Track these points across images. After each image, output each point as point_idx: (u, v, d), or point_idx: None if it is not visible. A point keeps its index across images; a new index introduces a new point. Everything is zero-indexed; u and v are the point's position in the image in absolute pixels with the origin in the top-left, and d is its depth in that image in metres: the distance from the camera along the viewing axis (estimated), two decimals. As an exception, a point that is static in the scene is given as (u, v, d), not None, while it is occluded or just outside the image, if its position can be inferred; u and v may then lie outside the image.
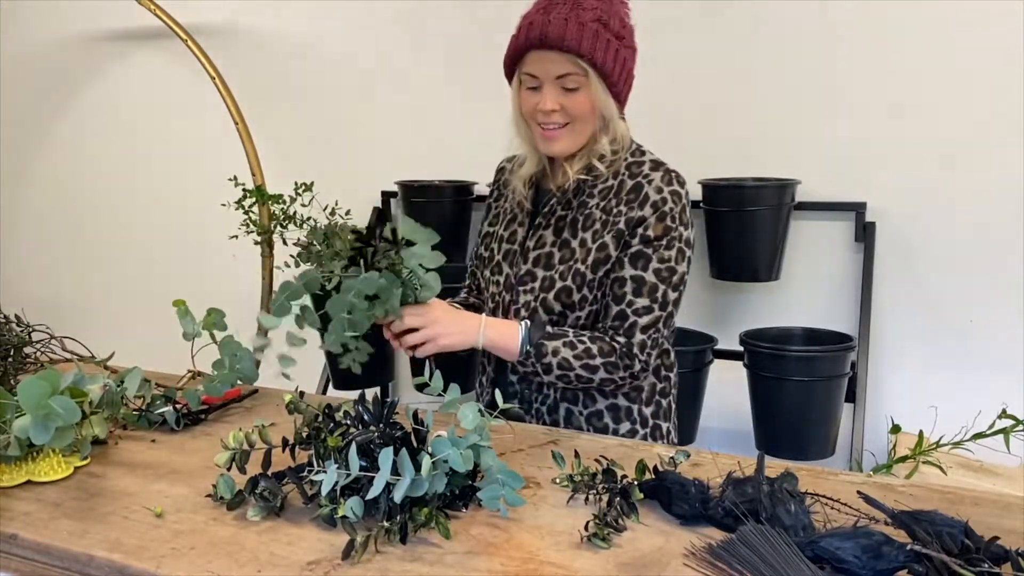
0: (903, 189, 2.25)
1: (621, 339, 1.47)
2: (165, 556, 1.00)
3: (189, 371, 1.67)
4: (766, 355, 2.14)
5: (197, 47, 2.71)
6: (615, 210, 1.49)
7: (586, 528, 1.03)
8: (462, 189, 2.67)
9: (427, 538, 1.04)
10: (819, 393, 2.12)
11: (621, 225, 1.47)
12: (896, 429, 2.19)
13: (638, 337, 1.47)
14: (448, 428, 1.10)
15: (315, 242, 1.36)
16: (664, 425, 1.61)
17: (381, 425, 1.13)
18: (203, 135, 3.13)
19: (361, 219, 2.78)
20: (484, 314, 1.51)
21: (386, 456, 1.03)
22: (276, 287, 2.83)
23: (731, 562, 0.95)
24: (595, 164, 1.50)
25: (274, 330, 1.36)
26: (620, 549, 1.01)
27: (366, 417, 1.14)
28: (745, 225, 2.19)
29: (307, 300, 1.34)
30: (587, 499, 1.14)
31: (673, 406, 1.63)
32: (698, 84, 2.39)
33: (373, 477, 1.03)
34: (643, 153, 1.54)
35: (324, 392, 2.72)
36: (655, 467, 1.16)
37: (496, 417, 1.13)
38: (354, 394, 1.20)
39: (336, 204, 2.58)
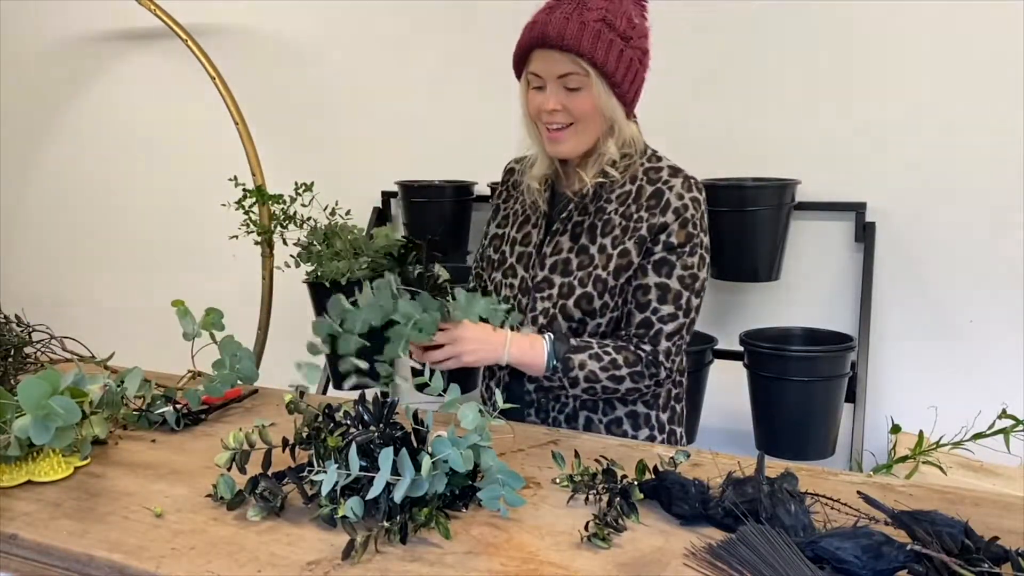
0: (903, 189, 2.25)
1: (646, 347, 1.46)
2: (165, 556, 1.00)
3: (189, 371, 1.67)
4: (766, 355, 2.14)
5: (197, 47, 2.70)
6: (635, 216, 1.48)
7: (586, 528, 1.03)
8: (462, 189, 2.67)
9: (427, 538, 1.04)
10: (819, 393, 2.12)
11: (643, 231, 1.46)
12: (896, 429, 2.19)
13: (663, 345, 1.47)
14: (448, 428, 1.10)
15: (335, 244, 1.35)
16: (678, 430, 1.61)
17: (381, 425, 1.13)
18: (203, 135, 3.13)
19: (361, 219, 2.79)
20: (507, 327, 1.50)
21: (386, 456, 1.03)
22: (276, 287, 2.83)
23: (731, 562, 0.95)
24: (608, 170, 1.49)
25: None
26: (620, 549, 1.01)
27: (366, 417, 1.14)
28: (745, 225, 2.19)
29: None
30: (587, 499, 1.14)
31: (684, 410, 1.64)
32: (698, 84, 2.39)
33: (373, 477, 1.03)
34: (659, 159, 1.53)
35: (324, 392, 2.72)
36: (655, 467, 1.16)
37: (496, 417, 1.13)
38: (354, 394, 1.20)
39: (336, 204, 2.58)
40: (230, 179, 2.49)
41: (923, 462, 2.00)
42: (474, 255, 1.72)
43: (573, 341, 1.46)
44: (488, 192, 2.55)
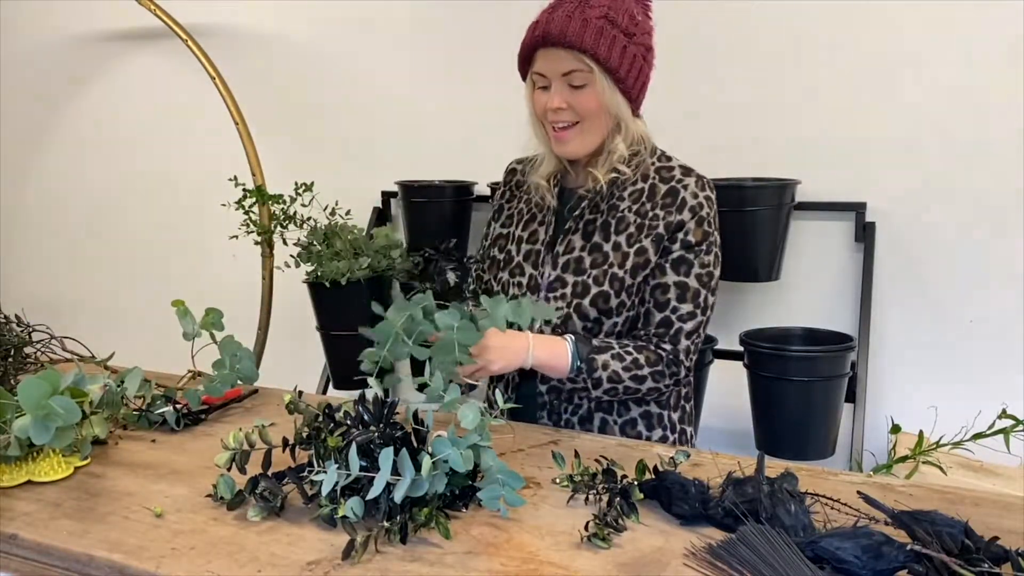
0: (903, 189, 2.25)
1: (667, 346, 1.47)
2: (165, 556, 1.00)
3: (189, 371, 1.67)
4: (766, 355, 2.14)
5: (197, 47, 2.70)
6: (651, 214, 1.48)
7: (586, 528, 1.03)
8: (462, 189, 2.67)
9: (427, 538, 1.04)
10: (819, 393, 2.12)
11: (660, 229, 1.47)
12: (896, 429, 2.19)
13: (683, 343, 1.47)
14: (448, 428, 1.10)
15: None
16: (688, 429, 1.61)
17: (381, 425, 1.13)
18: (203, 135, 3.13)
19: (361, 219, 2.80)
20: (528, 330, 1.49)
21: (386, 456, 1.03)
22: (276, 287, 2.83)
23: (731, 562, 0.95)
24: (620, 167, 1.49)
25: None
26: (620, 549, 1.01)
27: (366, 417, 1.14)
28: (745, 225, 2.19)
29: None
30: (587, 499, 1.14)
31: (693, 410, 1.64)
32: (698, 84, 2.39)
33: (373, 477, 1.03)
34: (669, 158, 1.54)
35: (324, 392, 2.72)
36: (655, 467, 1.16)
37: (496, 417, 1.13)
38: (354, 394, 1.20)
39: (336, 204, 2.59)
40: (230, 179, 2.50)
41: (923, 462, 2.00)
42: (475, 256, 1.72)
43: (595, 342, 1.45)
44: (488, 192, 2.55)
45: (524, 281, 1.55)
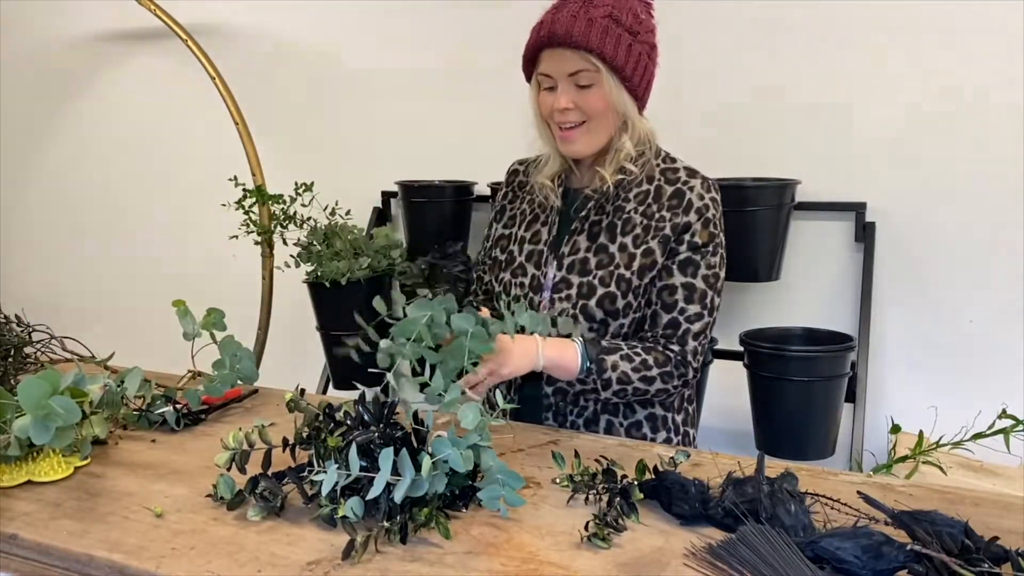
0: (903, 189, 2.25)
1: (675, 347, 1.47)
2: (165, 556, 1.00)
3: (189, 371, 1.67)
4: (766, 355, 2.14)
5: (197, 47, 2.70)
6: (657, 215, 1.48)
7: (586, 528, 1.03)
8: (462, 189, 2.67)
9: (427, 538, 1.04)
10: (819, 393, 2.12)
11: (667, 231, 1.47)
12: (896, 429, 2.19)
13: (691, 344, 1.47)
14: (448, 428, 1.10)
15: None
16: (691, 432, 1.62)
17: (381, 425, 1.13)
18: (203, 135, 3.13)
19: (361, 219, 2.79)
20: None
21: (386, 456, 1.03)
22: (276, 287, 2.83)
23: (731, 562, 0.95)
24: (627, 166, 1.49)
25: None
26: (620, 549, 1.01)
27: (366, 417, 1.14)
28: (745, 225, 2.19)
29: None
30: (587, 499, 1.14)
31: (696, 412, 1.64)
32: (698, 84, 2.39)
33: (373, 477, 1.03)
34: (674, 160, 1.54)
35: (324, 392, 2.72)
36: (655, 467, 1.16)
37: (496, 418, 1.13)
38: (354, 394, 1.20)
39: (336, 204, 2.59)
40: (230, 179, 2.50)
41: (923, 462, 2.00)
42: (476, 257, 1.72)
43: (604, 343, 1.45)
44: (488, 192, 2.55)
45: (526, 282, 1.54)
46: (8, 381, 1.56)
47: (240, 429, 1.18)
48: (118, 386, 1.35)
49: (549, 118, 1.49)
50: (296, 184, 2.49)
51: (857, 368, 2.17)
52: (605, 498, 1.12)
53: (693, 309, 1.47)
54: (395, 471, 1.03)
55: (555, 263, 1.53)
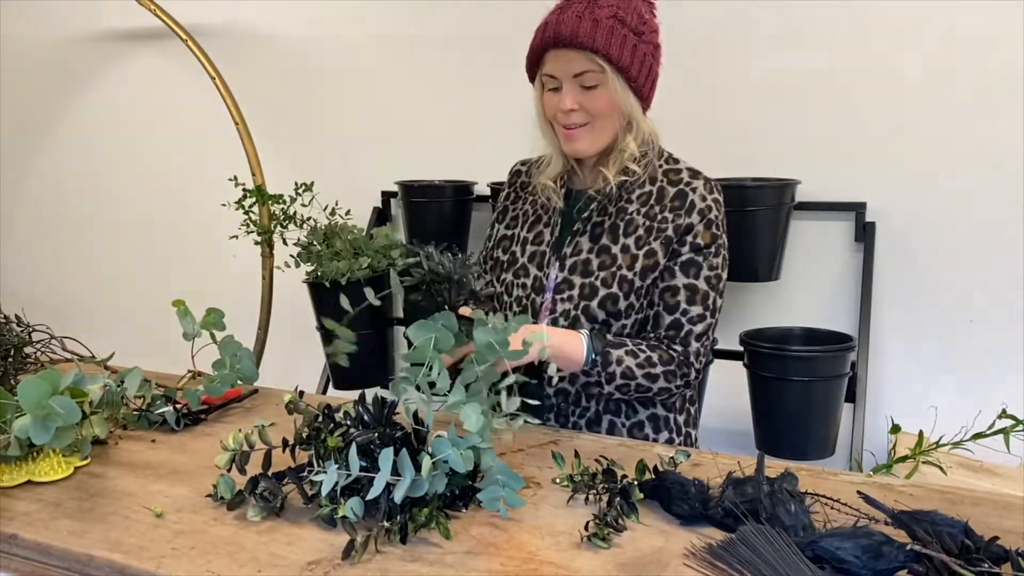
0: (903, 189, 2.25)
1: (678, 348, 1.47)
2: (165, 556, 1.00)
3: (189, 371, 1.67)
4: (766, 355, 2.14)
5: (197, 47, 2.70)
6: (660, 216, 1.48)
7: (586, 528, 1.03)
8: (462, 189, 2.67)
9: (427, 538, 1.04)
10: (819, 393, 2.12)
11: (669, 232, 1.47)
12: (896, 429, 2.19)
13: (694, 346, 1.47)
14: (448, 428, 1.10)
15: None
16: (693, 432, 1.61)
17: (381, 425, 1.13)
18: (203, 135, 3.13)
19: (361, 219, 2.79)
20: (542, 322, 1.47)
21: (386, 456, 1.03)
22: (276, 287, 2.83)
23: (731, 562, 0.95)
24: (631, 166, 1.49)
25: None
26: (620, 549, 1.01)
27: (366, 417, 1.14)
28: (745, 225, 2.19)
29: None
30: (587, 499, 1.14)
31: (697, 413, 1.64)
32: (698, 84, 2.39)
33: (373, 477, 1.02)
34: (676, 161, 1.54)
35: (324, 392, 2.72)
36: (655, 467, 1.16)
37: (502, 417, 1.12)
38: (354, 394, 1.20)
39: (336, 204, 2.58)
40: (230, 179, 2.50)
41: (923, 462, 2.00)
42: (477, 257, 1.71)
43: (609, 337, 1.45)
44: (488, 192, 2.55)
45: (528, 282, 1.54)
46: (8, 381, 1.56)
47: (240, 430, 1.18)
48: (118, 386, 1.35)
49: (553, 119, 1.48)
50: (296, 184, 2.49)
51: (857, 368, 2.17)
52: (605, 498, 1.11)
53: (695, 310, 1.47)
54: (395, 471, 1.03)
55: (557, 264, 1.53)
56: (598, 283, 1.48)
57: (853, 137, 2.28)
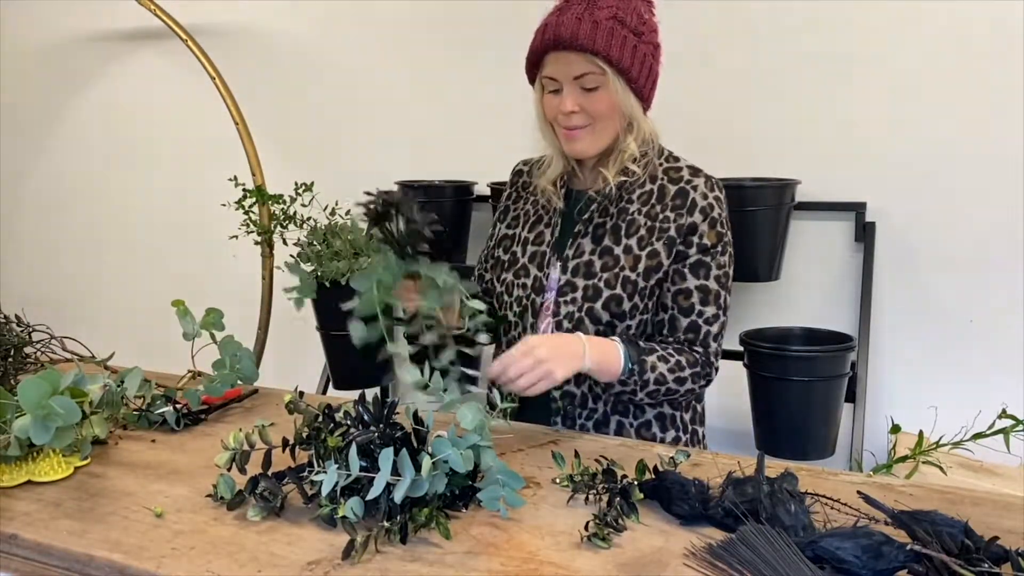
0: (903, 189, 2.25)
1: (699, 349, 1.48)
2: (165, 556, 1.00)
3: (189, 371, 1.67)
4: (766, 355, 2.14)
5: (197, 47, 2.70)
6: (661, 216, 1.47)
7: (586, 528, 1.03)
8: (462, 189, 2.67)
9: (427, 538, 1.04)
10: (819, 393, 2.12)
11: (672, 232, 1.47)
12: (896, 429, 2.19)
13: (712, 346, 1.48)
14: (448, 428, 1.10)
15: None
16: (700, 430, 1.61)
17: (381, 425, 1.13)
18: (203, 135, 3.13)
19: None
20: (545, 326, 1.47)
21: (386, 456, 1.03)
22: (276, 287, 2.83)
23: (731, 562, 0.95)
24: (630, 167, 1.49)
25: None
26: (620, 549, 1.01)
27: (366, 417, 1.14)
28: (745, 225, 2.19)
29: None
30: (587, 499, 1.14)
31: (704, 409, 1.64)
32: (698, 84, 2.39)
33: (373, 477, 1.02)
34: (676, 159, 1.54)
35: (324, 392, 2.72)
36: (655, 467, 1.16)
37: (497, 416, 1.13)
38: (354, 394, 1.20)
39: (336, 204, 2.59)
40: (230, 179, 2.50)
41: (923, 462, 2.00)
42: (479, 257, 1.71)
43: (641, 343, 1.44)
44: (488, 192, 2.55)
45: (528, 283, 1.54)
46: (8, 381, 1.56)
47: (240, 429, 1.18)
48: (118, 386, 1.35)
49: (554, 120, 1.48)
50: (296, 184, 2.49)
51: (857, 368, 2.17)
52: (605, 498, 1.11)
53: (710, 311, 1.47)
54: (395, 471, 1.03)
55: (559, 265, 1.52)
56: (601, 284, 1.47)
57: (853, 137, 2.28)
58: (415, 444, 1.12)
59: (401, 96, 2.83)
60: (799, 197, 2.27)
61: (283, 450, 1.17)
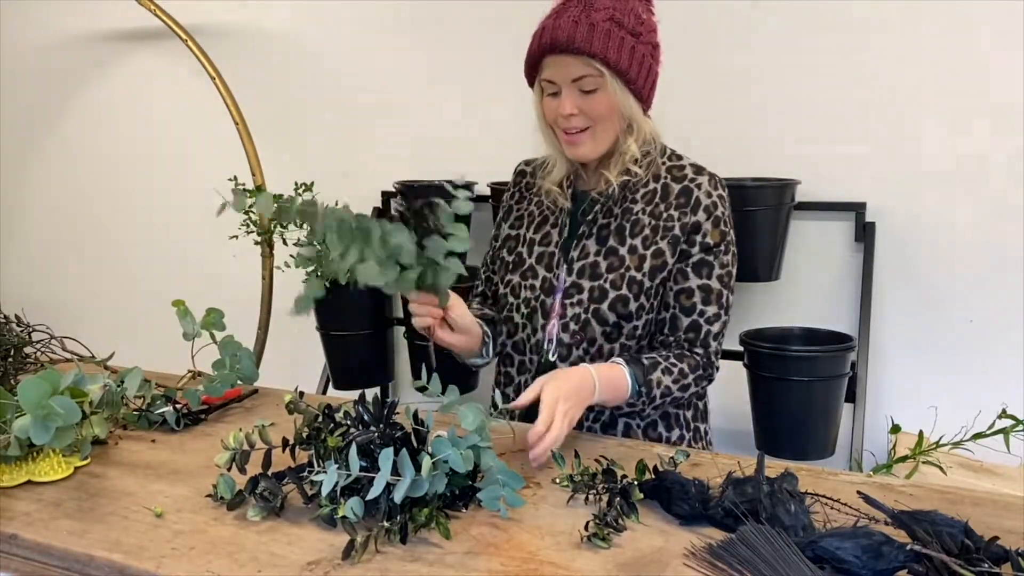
0: (903, 189, 2.25)
1: (699, 351, 1.47)
2: (165, 556, 1.00)
3: (189, 371, 1.67)
4: (766, 355, 2.14)
5: (197, 47, 2.70)
6: (665, 215, 1.47)
7: (586, 528, 1.03)
8: (462, 189, 2.66)
9: (427, 538, 1.04)
10: (819, 393, 2.12)
11: (676, 231, 1.46)
12: (896, 429, 2.19)
13: (712, 345, 1.48)
14: (448, 428, 1.10)
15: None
16: (703, 427, 1.61)
17: (381, 426, 1.13)
18: (203, 135, 3.13)
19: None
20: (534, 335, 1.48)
21: (386, 457, 1.03)
22: (276, 287, 2.83)
23: (731, 562, 0.95)
24: (632, 168, 1.48)
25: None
26: (620, 549, 1.01)
27: (366, 417, 1.14)
28: (745, 225, 2.18)
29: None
30: (587, 499, 1.14)
31: (707, 406, 1.63)
32: (698, 84, 2.39)
33: (373, 477, 1.02)
34: (679, 157, 1.53)
35: (324, 392, 2.72)
36: (655, 467, 1.16)
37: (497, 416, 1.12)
38: (354, 394, 1.20)
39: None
40: (230, 179, 2.50)
41: (923, 462, 2.00)
42: (483, 259, 1.70)
43: (644, 360, 1.43)
44: (488, 192, 2.55)
45: (537, 284, 1.53)
46: (8, 381, 1.56)
47: (240, 429, 1.18)
48: (118, 386, 1.35)
49: (554, 123, 1.48)
50: (296, 184, 2.49)
51: (857, 368, 2.17)
52: (605, 498, 1.11)
53: (711, 310, 1.47)
54: (395, 471, 1.03)
55: (565, 267, 1.52)
56: (607, 285, 1.47)
57: (853, 137, 2.28)
58: (415, 444, 1.12)
59: (401, 96, 2.83)
60: (799, 197, 2.27)
61: (283, 450, 1.17)
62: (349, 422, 1.14)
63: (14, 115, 3.57)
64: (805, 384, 2.10)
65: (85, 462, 1.28)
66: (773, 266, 2.27)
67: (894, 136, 2.24)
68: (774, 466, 1.14)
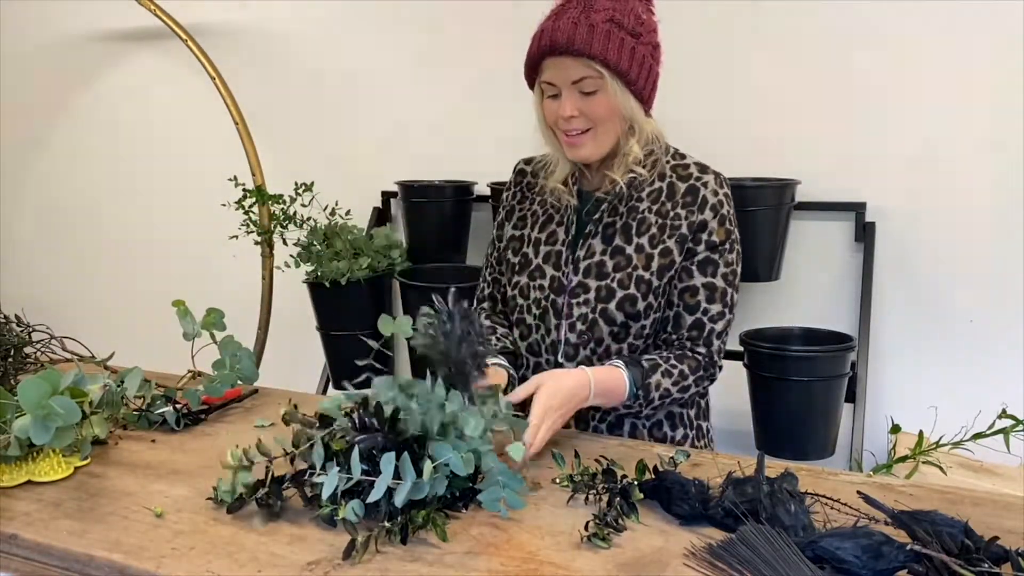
0: (903, 189, 2.25)
1: (701, 349, 1.47)
2: (165, 556, 1.00)
3: (189, 371, 1.67)
4: (766, 355, 2.14)
5: (197, 47, 2.71)
6: (672, 213, 1.47)
7: (586, 528, 1.03)
8: (462, 189, 2.67)
9: (427, 538, 1.04)
10: (819, 393, 2.12)
11: (683, 229, 1.46)
12: (896, 429, 2.19)
13: (715, 344, 1.47)
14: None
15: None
16: (705, 424, 1.61)
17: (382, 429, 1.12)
18: (203, 135, 3.13)
19: (361, 219, 2.80)
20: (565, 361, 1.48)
21: (388, 460, 1.03)
22: (276, 287, 2.83)
23: (731, 562, 0.95)
24: (636, 169, 1.48)
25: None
26: (620, 549, 1.01)
27: (367, 422, 1.13)
28: (745, 225, 2.17)
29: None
30: (587, 499, 1.14)
31: (708, 405, 1.63)
32: (698, 84, 2.39)
33: (373, 480, 1.02)
34: (683, 156, 1.53)
35: (324, 392, 2.72)
36: (655, 467, 1.16)
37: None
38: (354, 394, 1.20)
39: (336, 204, 2.59)
40: (230, 179, 2.50)
41: (923, 462, 2.00)
42: (485, 261, 1.70)
43: (644, 362, 1.43)
44: (488, 192, 2.55)
45: (546, 284, 1.52)
46: (8, 381, 1.56)
47: (237, 446, 1.14)
48: (118, 386, 1.35)
49: (554, 125, 1.47)
50: (296, 184, 2.49)
51: (857, 368, 2.17)
52: (605, 498, 1.11)
53: (715, 309, 1.47)
54: (396, 475, 1.03)
55: (572, 267, 1.52)
56: (615, 285, 1.47)
57: (853, 137, 2.28)
58: (416, 447, 1.12)
59: (401, 96, 2.83)
60: (799, 197, 2.27)
61: (283, 456, 1.16)
62: (350, 424, 1.13)
63: (14, 115, 3.57)
64: (805, 384, 2.10)
65: (85, 462, 1.28)
66: (773, 266, 2.27)
67: (894, 136, 2.24)
68: (774, 466, 1.14)
